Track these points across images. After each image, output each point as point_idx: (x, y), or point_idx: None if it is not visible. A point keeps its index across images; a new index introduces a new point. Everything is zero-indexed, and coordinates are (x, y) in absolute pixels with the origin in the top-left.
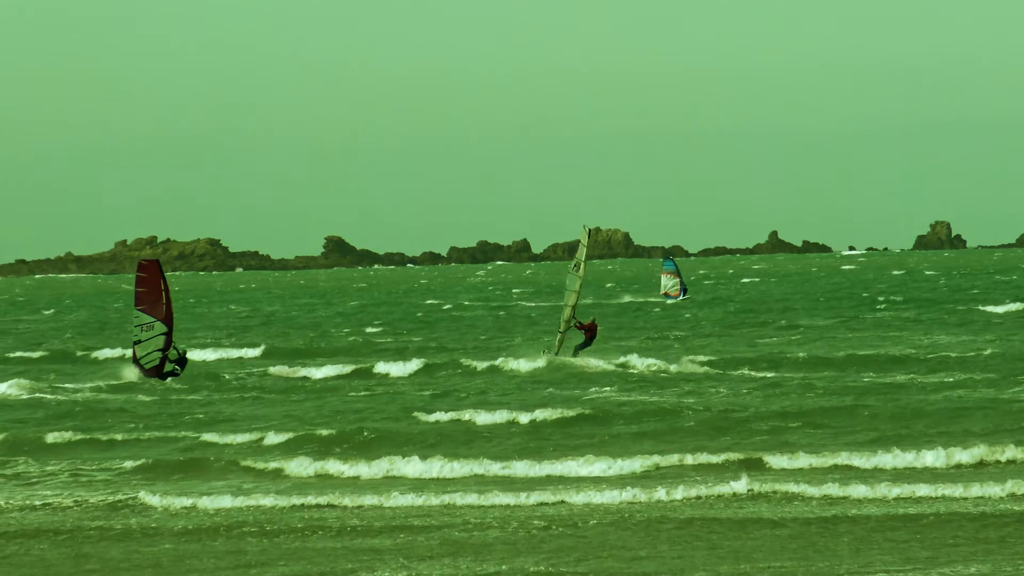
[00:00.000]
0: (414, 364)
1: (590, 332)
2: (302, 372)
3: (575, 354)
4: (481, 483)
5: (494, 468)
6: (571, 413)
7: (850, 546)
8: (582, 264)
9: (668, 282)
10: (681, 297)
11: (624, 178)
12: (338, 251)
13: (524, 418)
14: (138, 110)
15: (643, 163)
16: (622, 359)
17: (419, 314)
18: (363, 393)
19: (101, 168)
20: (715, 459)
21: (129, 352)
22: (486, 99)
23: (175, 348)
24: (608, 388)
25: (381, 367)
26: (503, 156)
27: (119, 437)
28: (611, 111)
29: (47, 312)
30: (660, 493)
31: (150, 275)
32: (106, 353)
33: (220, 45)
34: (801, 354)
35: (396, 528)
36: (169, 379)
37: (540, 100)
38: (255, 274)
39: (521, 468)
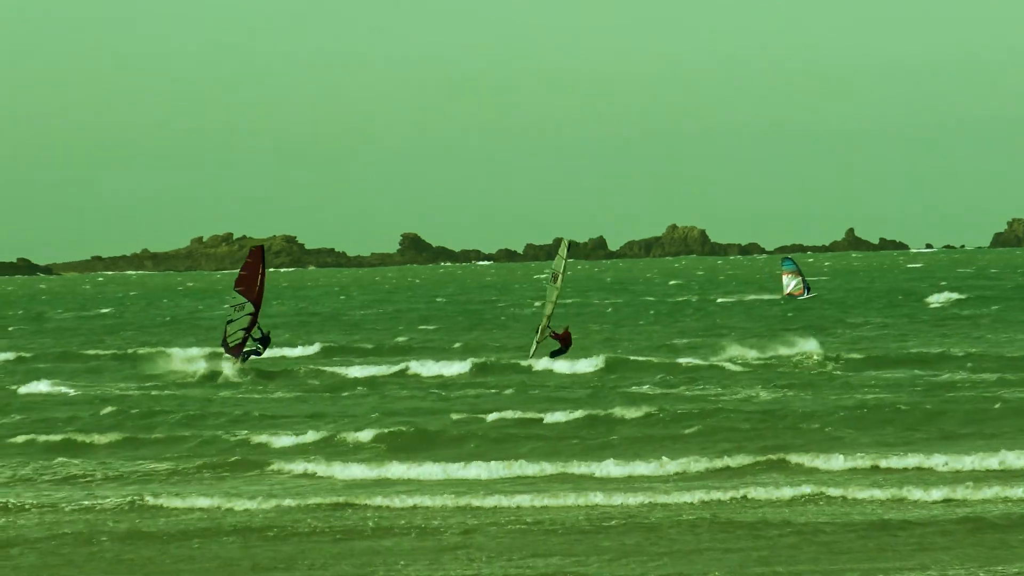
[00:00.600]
0: (466, 363)
1: (564, 340)
2: (354, 370)
3: (552, 358)
4: (568, 482)
5: (581, 468)
6: (681, 410)
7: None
8: (560, 275)
9: (790, 281)
10: (805, 295)
11: (702, 175)
12: (413, 248)
13: (591, 416)
14: (215, 107)
15: (721, 160)
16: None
17: (474, 310)
18: (416, 392)
19: (177, 164)
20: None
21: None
22: (562, 94)
23: (259, 328)
24: (666, 385)
25: (433, 367)
26: (580, 152)
27: (161, 435)
28: (690, 108)
29: (105, 310)
30: (732, 492)
31: (254, 260)
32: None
33: (299, 44)
34: (856, 355)
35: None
36: (250, 357)
37: (616, 96)
38: (329, 271)
39: (608, 468)
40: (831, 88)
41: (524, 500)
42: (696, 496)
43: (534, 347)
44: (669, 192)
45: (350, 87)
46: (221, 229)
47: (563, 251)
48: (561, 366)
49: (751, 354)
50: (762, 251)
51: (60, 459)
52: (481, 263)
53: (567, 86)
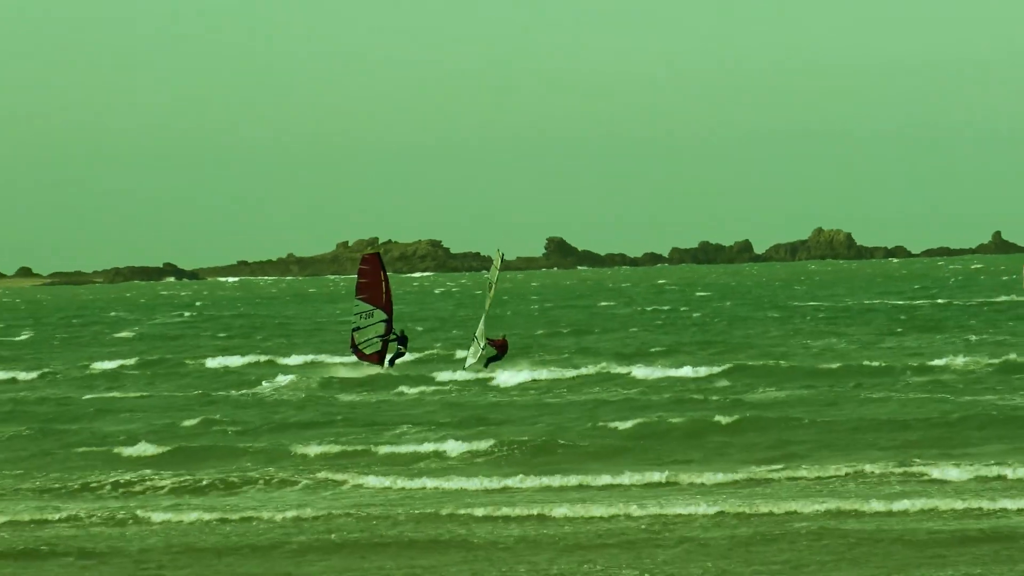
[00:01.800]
0: (584, 369)
1: (501, 348)
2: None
3: (485, 365)
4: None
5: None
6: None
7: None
8: (493, 285)
9: None
10: None
11: (848, 177)
12: (559, 252)
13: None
14: (364, 112)
15: (868, 162)
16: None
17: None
18: (548, 398)
19: (324, 169)
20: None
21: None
22: (711, 96)
23: (394, 332)
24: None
25: (557, 371)
26: (726, 154)
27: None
28: (836, 108)
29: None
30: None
31: (372, 267)
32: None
33: (459, 54)
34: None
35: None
36: (396, 361)
37: (760, 94)
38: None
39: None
40: (979, 87)
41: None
42: None
43: (472, 358)
44: (815, 195)
45: (501, 91)
46: (366, 233)
47: (497, 262)
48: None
49: None
50: (908, 254)
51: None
52: (619, 268)
53: (695, 86)
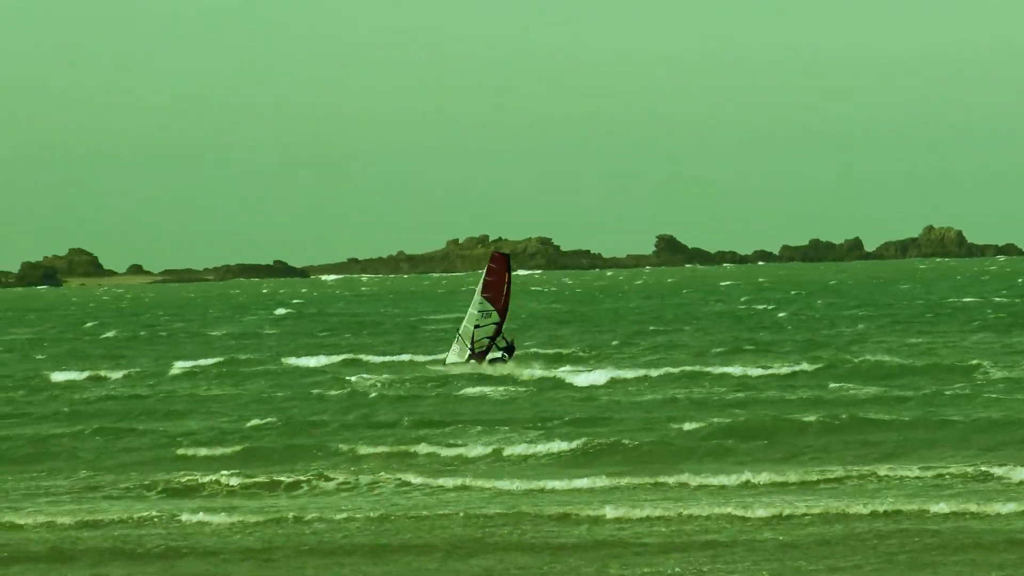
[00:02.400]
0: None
1: (509, 351)
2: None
3: (467, 360)
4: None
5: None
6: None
7: None
8: (477, 291)
9: None
10: None
11: (960, 173)
12: (669, 249)
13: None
14: (473, 109)
15: (980, 158)
16: None
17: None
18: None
19: (434, 166)
20: None
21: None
22: (815, 90)
23: (503, 337)
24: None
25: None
26: (835, 151)
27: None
28: (951, 102)
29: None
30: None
31: (499, 267)
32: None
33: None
34: None
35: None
36: (495, 364)
37: (868, 90)
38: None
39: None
40: None
41: None
42: None
43: (455, 356)
44: (926, 191)
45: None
46: (477, 231)
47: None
48: None
49: None
50: (1020, 252)
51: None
52: (726, 265)
53: (807, 80)
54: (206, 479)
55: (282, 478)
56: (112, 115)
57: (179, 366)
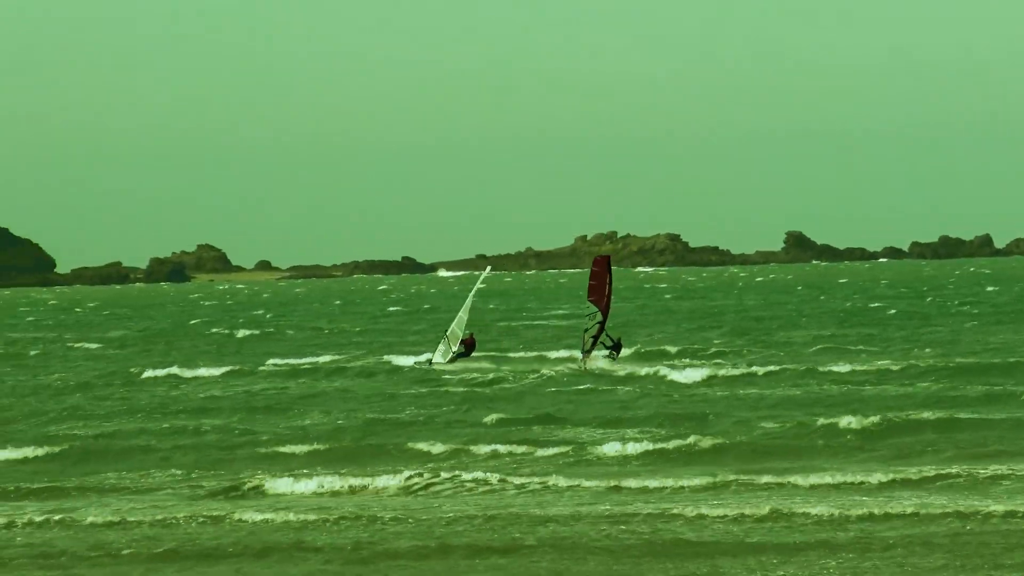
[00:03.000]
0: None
1: (469, 346)
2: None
3: (451, 361)
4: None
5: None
6: None
7: None
8: (471, 297)
9: None
10: None
11: None
12: (798, 246)
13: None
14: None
15: None
16: None
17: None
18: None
19: (563, 162)
20: None
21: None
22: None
23: (608, 336)
24: None
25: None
26: (962, 145)
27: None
28: None
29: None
30: None
31: (600, 269)
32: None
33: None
34: None
35: None
36: (600, 362)
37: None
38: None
39: None
40: None
41: None
42: None
43: (440, 357)
44: None
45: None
46: (605, 227)
47: (484, 275)
48: None
49: None
50: None
51: None
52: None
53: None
54: (300, 477)
55: (381, 476)
56: (248, 120)
57: (271, 363)
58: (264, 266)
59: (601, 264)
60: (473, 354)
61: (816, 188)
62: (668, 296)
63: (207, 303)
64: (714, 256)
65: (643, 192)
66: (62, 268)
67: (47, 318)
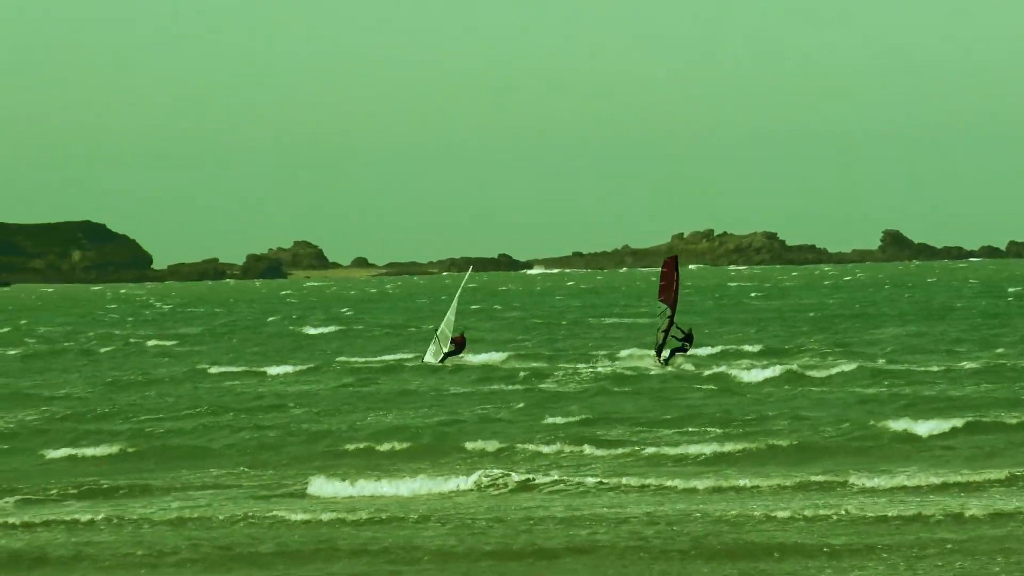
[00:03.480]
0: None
1: (458, 345)
2: (751, 374)
3: (442, 360)
4: None
5: None
6: None
7: None
8: (455, 299)
9: None
10: None
11: None
12: (895, 245)
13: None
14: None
15: None
16: None
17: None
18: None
19: (660, 160)
20: None
21: None
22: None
23: (679, 328)
24: None
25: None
26: None
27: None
28: None
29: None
30: None
31: (669, 270)
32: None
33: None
34: None
35: None
36: (678, 355)
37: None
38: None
39: None
40: None
41: None
42: None
43: (431, 356)
44: None
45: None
46: (702, 225)
47: (467, 275)
48: None
49: None
50: None
51: None
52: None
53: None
54: (367, 477)
55: (453, 478)
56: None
57: (340, 361)
58: (360, 263)
59: (670, 265)
60: (464, 353)
61: (915, 186)
62: (753, 295)
63: (292, 300)
64: (811, 255)
65: (741, 190)
66: (159, 264)
67: (129, 314)
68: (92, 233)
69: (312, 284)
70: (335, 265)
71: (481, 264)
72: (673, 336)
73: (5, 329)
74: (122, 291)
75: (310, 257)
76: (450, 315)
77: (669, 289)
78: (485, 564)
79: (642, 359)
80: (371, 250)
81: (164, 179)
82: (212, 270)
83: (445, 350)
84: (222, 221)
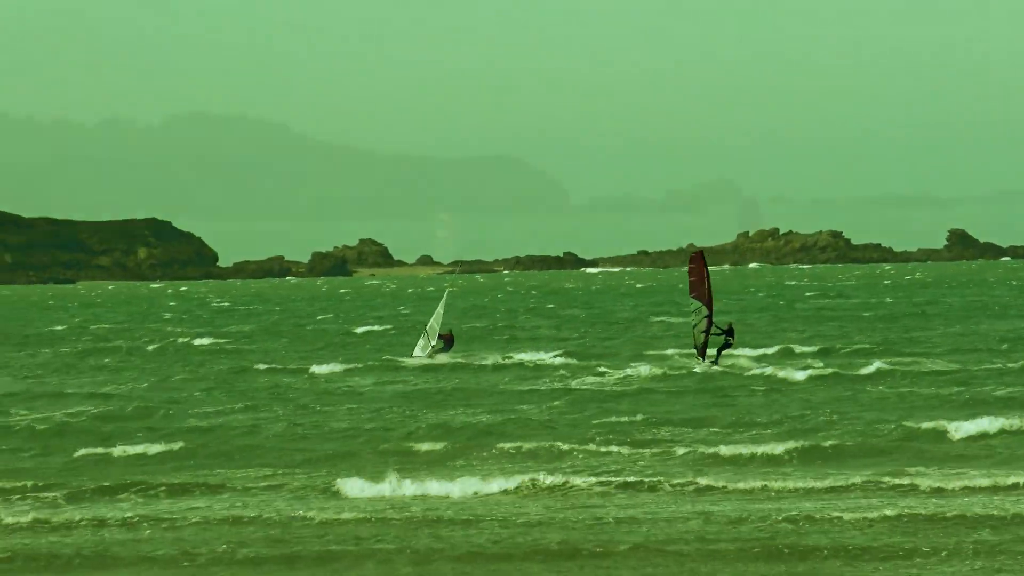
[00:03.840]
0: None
1: (448, 341)
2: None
3: (430, 355)
4: None
5: None
6: None
7: None
8: (442, 302)
9: None
10: None
11: None
12: (961, 244)
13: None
14: (743, 101)
15: None
16: None
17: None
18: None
19: (730, 161)
20: None
21: None
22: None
23: (718, 326)
24: None
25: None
26: None
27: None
28: None
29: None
30: None
31: (697, 266)
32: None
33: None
34: None
35: None
36: (721, 353)
37: None
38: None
39: None
40: None
41: None
42: None
43: (420, 351)
44: None
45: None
46: (768, 224)
47: (445, 297)
48: None
49: None
50: None
51: None
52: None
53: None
54: (406, 477)
55: (495, 478)
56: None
57: (384, 359)
58: (425, 261)
59: (696, 261)
60: (452, 349)
61: (983, 187)
62: (809, 294)
63: (348, 298)
64: (875, 254)
65: (807, 190)
66: (224, 262)
67: (185, 311)
68: (158, 231)
69: (373, 282)
70: (400, 263)
71: (546, 263)
72: (714, 334)
73: (61, 327)
74: (182, 288)
75: (375, 255)
76: (440, 310)
77: (701, 285)
78: (538, 565)
79: (689, 359)
80: (437, 248)
81: (230, 176)
82: (277, 267)
83: (434, 345)
84: (288, 217)
